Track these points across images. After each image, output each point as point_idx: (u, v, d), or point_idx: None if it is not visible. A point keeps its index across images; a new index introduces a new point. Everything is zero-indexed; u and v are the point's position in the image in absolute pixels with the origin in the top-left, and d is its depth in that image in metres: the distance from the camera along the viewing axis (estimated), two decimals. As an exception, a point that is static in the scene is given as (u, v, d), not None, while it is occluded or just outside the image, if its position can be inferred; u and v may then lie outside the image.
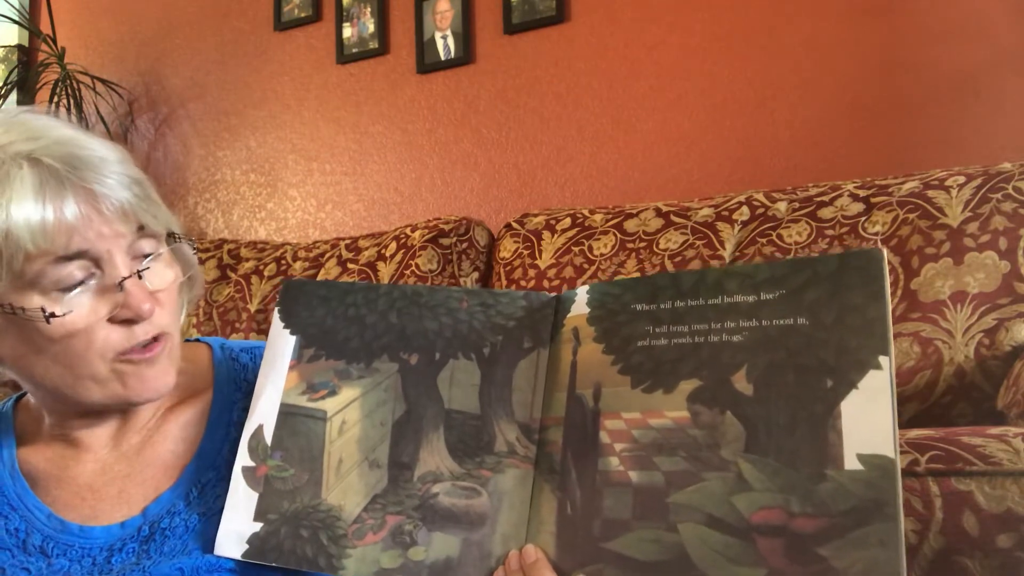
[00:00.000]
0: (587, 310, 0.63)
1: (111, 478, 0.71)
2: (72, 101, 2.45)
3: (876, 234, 1.38)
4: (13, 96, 2.67)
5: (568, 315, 0.64)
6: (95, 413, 0.71)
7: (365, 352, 0.68)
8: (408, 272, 1.78)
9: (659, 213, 1.61)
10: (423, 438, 0.64)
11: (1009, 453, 0.77)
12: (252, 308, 1.92)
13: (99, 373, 0.65)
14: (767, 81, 1.82)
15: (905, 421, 1.27)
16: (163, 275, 0.68)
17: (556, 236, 1.69)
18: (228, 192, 2.48)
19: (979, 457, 0.77)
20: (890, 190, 1.42)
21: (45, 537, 0.68)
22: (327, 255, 1.93)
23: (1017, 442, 0.78)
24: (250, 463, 0.67)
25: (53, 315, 0.61)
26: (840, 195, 1.46)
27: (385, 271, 1.81)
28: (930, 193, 1.37)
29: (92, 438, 0.72)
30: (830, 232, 1.42)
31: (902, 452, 0.81)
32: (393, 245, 1.85)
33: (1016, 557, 0.73)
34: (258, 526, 0.65)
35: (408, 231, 1.86)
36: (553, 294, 0.67)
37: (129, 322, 0.64)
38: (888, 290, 0.52)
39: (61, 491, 0.70)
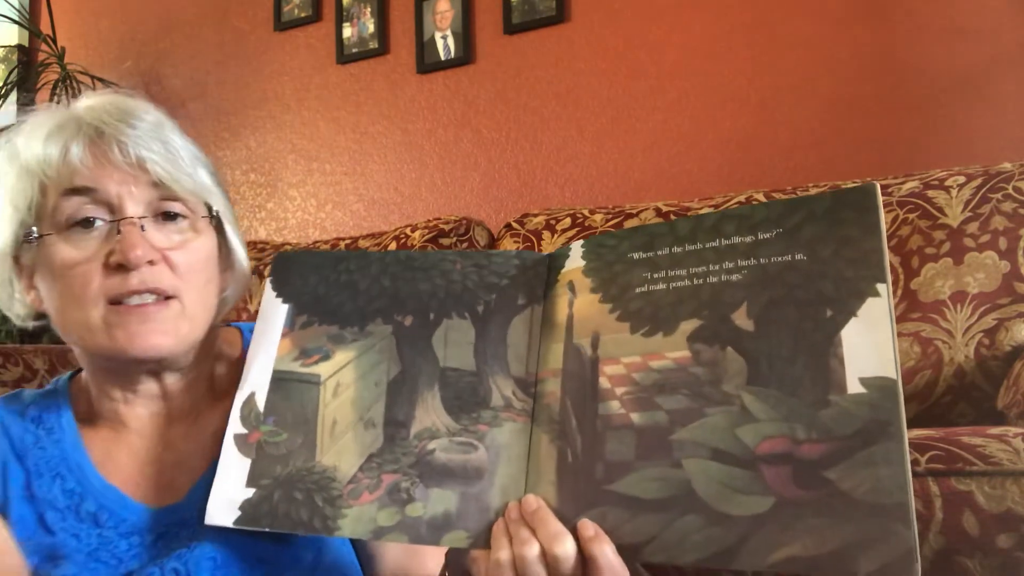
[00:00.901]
0: (582, 263, 0.64)
1: (162, 467, 0.71)
2: (72, 101, 2.45)
3: (876, 234, 1.38)
4: (13, 96, 2.67)
5: (563, 270, 0.65)
6: (126, 383, 0.71)
7: (358, 316, 0.69)
8: (408, 272, 1.78)
9: (659, 213, 1.61)
10: (418, 396, 0.65)
11: (1009, 453, 0.77)
12: (252, 308, 1.92)
13: (92, 320, 0.66)
14: (767, 81, 1.82)
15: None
16: (178, 236, 0.69)
17: (556, 236, 1.69)
18: (228, 192, 2.48)
19: (979, 457, 0.77)
20: (890, 190, 1.42)
21: (100, 506, 0.68)
22: (327, 255, 1.93)
23: (1017, 442, 0.78)
24: (242, 430, 0.67)
25: (45, 235, 0.66)
26: (840, 195, 1.46)
27: (385, 271, 1.81)
28: (930, 193, 1.37)
29: (132, 416, 0.72)
30: (830, 232, 1.42)
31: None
32: (393, 245, 1.85)
33: (1016, 557, 0.73)
34: (250, 492, 0.64)
35: (408, 231, 1.86)
36: (546, 253, 0.67)
37: (122, 268, 0.65)
38: (883, 222, 0.53)
39: (117, 472, 0.71)
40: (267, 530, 0.63)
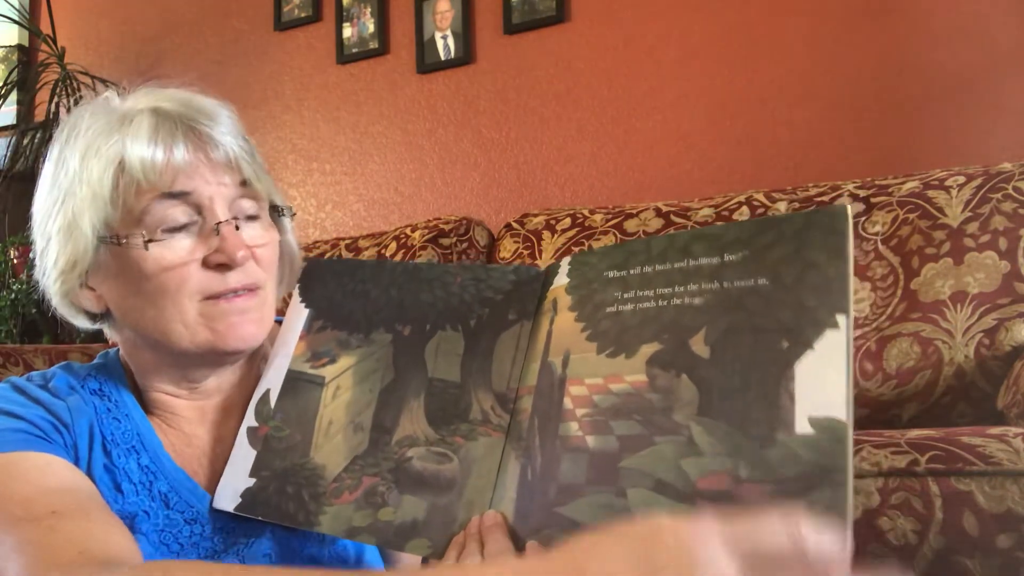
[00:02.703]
0: (567, 280, 0.63)
1: (216, 460, 0.72)
2: (72, 101, 2.45)
3: (876, 234, 1.38)
4: (13, 96, 2.67)
5: (551, 287, 0.65)
6: (192, 378, 0.72)
7: (365, 324, 0.71)
8: (408, 272, 1.78)
9: (659, 213, 1.61)
10: (405, 404, 0.66)
11: (1009, 453, 0.77)
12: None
13: (188, 316, 0.67)
14: (767, 81, 1.82)
15: (905, 421, 1.27)
16: (261, 234, 0.71)
17: (556, 236, 1.69)
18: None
19: (979, 457, 0.77)
20: (890, 190, 1.42)
21: (171, 488, 0.69)
22: (327, 255, 1.93)
23: (1017, 442, 0.78)
24: (254, 423, 0.70)
25: (151, 240, 0.65)
26: (840, 195, 1.46)
27: (385, 271, 1.81)
28: (930, 193, 1.37)
29: (184, 407, 0.73)
30: (830, 232, 1.42)
31: (902, 452, 0.81)
32: (393, 245, 1.85)
33: (1016, 557, 0.73)
34: (252, 481, 0.67)
35: (408, 231, 1.86)
36: (542, 268, 0.68)
37: (222, 267, 0.67)
38: (851, 247, 0.50)
39: (178, 458, 0.71)
40: (261, 519, 0.66)
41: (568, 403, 0.58)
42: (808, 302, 0.50)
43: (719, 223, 1.50)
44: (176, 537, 0.67)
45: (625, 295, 0.58)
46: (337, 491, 0.64)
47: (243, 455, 0.69)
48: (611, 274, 0.60)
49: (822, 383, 0.48)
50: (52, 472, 0.62)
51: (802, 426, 0.47)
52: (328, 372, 0.70)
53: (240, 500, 0.67)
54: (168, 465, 0.70)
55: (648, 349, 0.55)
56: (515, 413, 0.62)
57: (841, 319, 0.49)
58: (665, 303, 0.56)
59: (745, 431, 0.49)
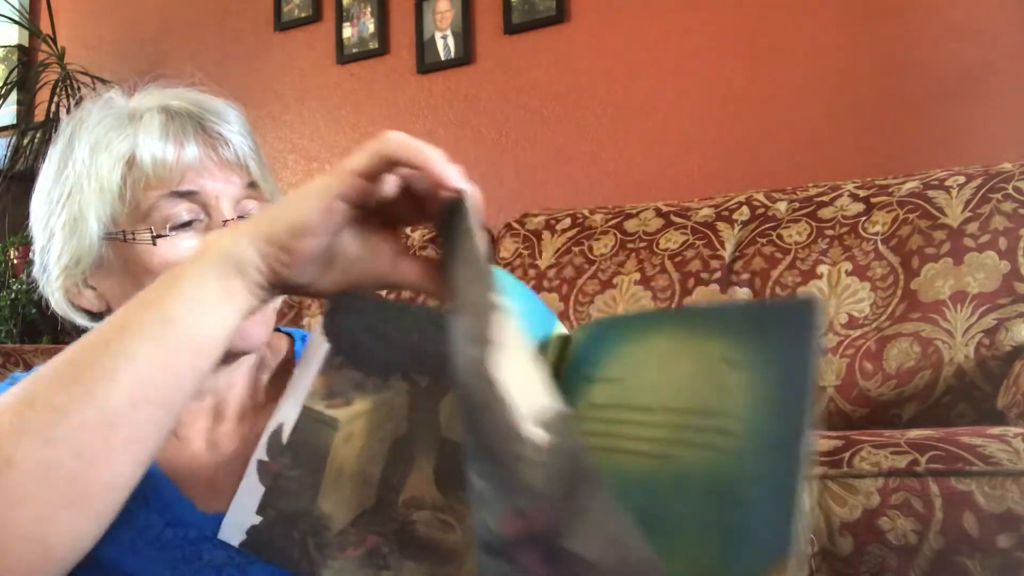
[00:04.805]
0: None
1: (207, 465, 0.71)
2: (72, 101, 2.46)
3: (876, 234, 1.38)
4: (13, 96, 2.67)
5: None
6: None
7: (382, 368, 0.68)
8: (408, 272, 1.78)
9: (659, 213, 1.61)
10: (415, 463, 0.63)
11: (1009, 453, 0.77)
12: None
13: None
14: (767, 81, 1.82)
15: (905, 421, 1.27)
16: None
17: (556, 236, 1.69)
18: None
19: (979, 457, 0.77)
20: (890, 190, 1.42)
21: (164, 504, 0.68)
22: (327, 255, 1.93)
23: (1017, 442, 0.78)
24: (265, 458, 0.67)
25: (160, 236, 0.65)
26: (840, 195, 1.46)
27: (385, 271, 1.82)
28: (930, 193, 1.37)
29: (185, 428, 0.72)
30: (830, 232, 1.42)
31: (902, 452, 0.81)
32: (393, 245, 1.85)
33: (1016, 557, 0.73)
34: (258, 519, 0.65)
35: (408, 231, 1.86)
36: (566, 333, 0.64)
37: None
38: (475, 232, 0.44)
39: (164, 462, 0.70)
40: (265, 559, 0.64)
41: None
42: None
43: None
44: (158, 538, 0.66)
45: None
46: (342, 545, 0.61)
47: (252, 490, 0.66)
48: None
49: (523, 379, 0.43)
50: None
51: (534, 432, 0.42)
52: (341, 415, 0.67)
53: (245, 536, 0.64)
54: (158, 475, 0.68)
55: None
56: None
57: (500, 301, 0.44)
58: None
59: (493, 458, 0.44)
